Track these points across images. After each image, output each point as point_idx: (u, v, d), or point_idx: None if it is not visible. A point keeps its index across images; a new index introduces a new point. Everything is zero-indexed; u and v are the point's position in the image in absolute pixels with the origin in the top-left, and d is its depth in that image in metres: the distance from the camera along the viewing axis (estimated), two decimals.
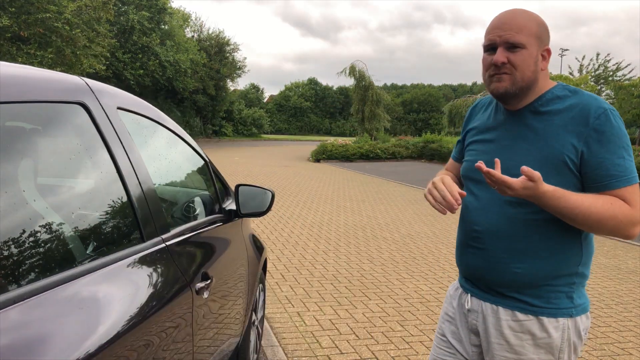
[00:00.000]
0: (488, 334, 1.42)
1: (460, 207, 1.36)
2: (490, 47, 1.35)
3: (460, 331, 1.53)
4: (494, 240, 1.38)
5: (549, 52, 1.36)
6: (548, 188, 1.23)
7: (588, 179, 1.30)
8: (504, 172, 1.24)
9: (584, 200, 1.26)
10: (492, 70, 1.34)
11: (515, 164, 1.29)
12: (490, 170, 1.22)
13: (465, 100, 29.19)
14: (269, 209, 2.40)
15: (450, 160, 1.73)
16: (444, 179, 1.39)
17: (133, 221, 1.36)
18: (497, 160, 1.26)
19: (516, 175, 1.22)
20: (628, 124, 35.51)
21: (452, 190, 1.33)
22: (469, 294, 1.50)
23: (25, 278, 0.95)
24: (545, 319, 1.36)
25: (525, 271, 1.35)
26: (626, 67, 36.69)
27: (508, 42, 1.31)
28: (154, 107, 1.84)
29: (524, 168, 1.20)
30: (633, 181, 1.29)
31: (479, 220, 1.42)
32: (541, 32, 1.34)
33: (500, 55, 1.32)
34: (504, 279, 1.38)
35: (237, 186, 2.37)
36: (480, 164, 1.23)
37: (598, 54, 48.49)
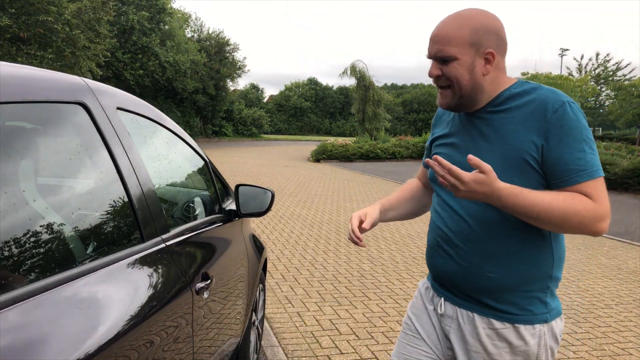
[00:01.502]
0: (465, 342, 1.39)
1: (362, 243, 1.44)
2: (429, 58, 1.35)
3: (436, 332, 1.49)
4: (465, 243, 1.35)
5: (492, 54, 1.29)
6: (504, 185, 1.19)
7: (549, 175, 1.26)
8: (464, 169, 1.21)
9: (544, 198, 1.21)
10: (434, 81, 1.35)
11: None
12: (438, 157, 1.19)
13: None
14: (269, 209, 2.40)
15: (421, 168, 1.70)
16: (358, 215, 1.49)
17: (133, 221, 1.36)
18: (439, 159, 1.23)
19: None
20: (628, 124, 35.52)
21: (354, 229, 1.45)
22: (442, 298, 1.45)
23: (25, 278, 0.95)
24: (521, 327, 1.33)
25: (499, 275, 1.32)
26: (626, 66, 36.74)
27: (437, 57, 1.30)
28: (153, 107, 1.84)
29: (470, 156, 1.16)
30: (595, 175, 1.23)
31: (449, 223, 1.39)
32: (477, 38, 1.28)
33: (432, 69, 1.32)
34: (478, 284, 1.34)
35: (237, 186, 2.37)
36: (428, 160, 1.22)
37: (598, 54, 48.45)
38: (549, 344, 1.36)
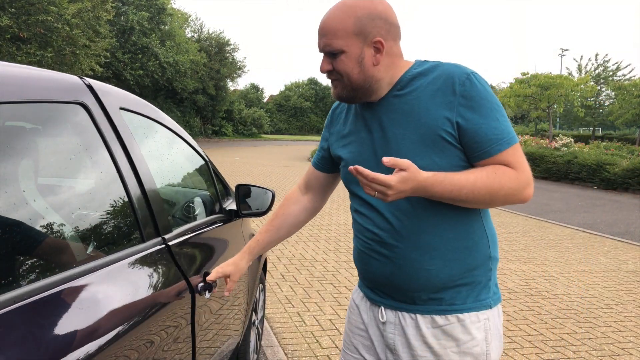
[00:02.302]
0: (411, 348, 1.30)
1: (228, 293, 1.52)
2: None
3: (376, 346, 1.40)
4: (399, 241, 1.28)
5: (381, 43, 1.24)
6: (427, 174, 1.15)
7: (469, 148, 1.22)
8: (381, 167, 1.16)
9: (468, 177, 1.18)
10: (327, 76, 1.31)
11: (392, 154, 1.22)
12: (358, 167, 1.12)
13: None
14: (269, 209, 2.40)
15: (310, 168, 1.60)
16: (222, 268, 1.55)
17: (133, 221, 1.36)
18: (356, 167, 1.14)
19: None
20: (628, 124, 35.54)
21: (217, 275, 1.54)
22: (382, 306, 1.36)
23: (26, 278, 0.95)
24: (467, 319, 1.27)
25: (439, 267, 1.26)
26: (626, 67, 36.76)
27: (326, 51, 1.26)
28: (154, 107, 1.84)
29: (385, 159, 1.11)
30: (512, 142, 1.21)
31: (378, 222, 1.31)
32: (362, 27, 1.22)
33: (323, 64, 1.28)
34: (419, 280, 1.27)
35: (238, 186, 2.37)
36: (351, 168, 1.13)
37: (597, 54, 48.48)
38: (495, 340, 1.31)
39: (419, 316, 1.30)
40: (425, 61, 1.31)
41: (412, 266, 1.28)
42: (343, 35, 1.23)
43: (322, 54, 1.30)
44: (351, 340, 1.47)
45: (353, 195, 1.41)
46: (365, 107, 1.36)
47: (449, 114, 1.21)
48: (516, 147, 1.22)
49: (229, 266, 1.55)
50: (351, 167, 1.13)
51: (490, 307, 1.31)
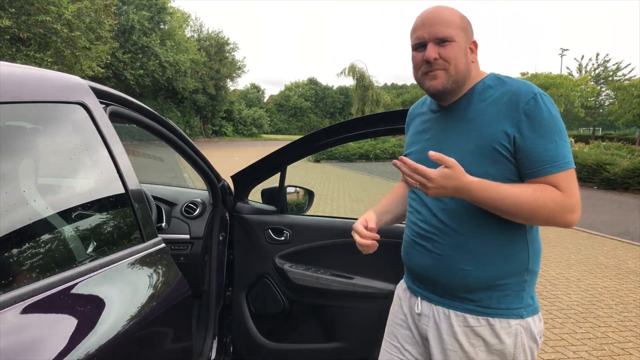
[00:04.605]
0: (442, 340, 1.36)
1: (374, 245, 1.38)
2: (419, 45, 1.33)
3: (415, 335, 1.46)
4: (440, 238, 1.34)
5: (475, 44, 1.36)
6: (472, 178, 1.20)
7: (522, 165, 1.26)
8: (433, 165, 1.20)
9: (513, 190, 1.22)
10: (425, 67, 1.33)
11: (448, 156, 1.24)
12: (404, 157, 1.20)
13: None
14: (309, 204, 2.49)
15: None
16: (359, 222, 1.42)
17: (133, 221, 1.36)
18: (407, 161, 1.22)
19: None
20: (628, 124, 35.54)
21: (362, 232, 1.39)
22: (419, 297, 1.43)
23: (26, 278, 0.95)
24: (497, 324, 1.31)
25: (474, 269, 1.31)
26: (626, 67, 36.77)
27: (437, 37, 1.30)
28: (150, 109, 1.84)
29: (431, 153, 1.17)
30: (566, 167, 1.24)
31: (425, 217, 1.38)
32: (465, 25, 1.33)
33: (431, 51, 1.30)
34: (454, 278, 1.33)
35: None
36: (395, 161, 1.21)
37: (598, 54, 48.50)
38: (527, 344, 1.33)
39: (452, 312, 1.35)
40: (499, 75, 1.37)
41: (449, 264, 1.34)
42: (454, 26, 1.30)
43: (418, 47, 1.34)
44: (392, 330, 1.53)
45: (410, 191, 1.49)
46: (435, 109, 1.43)
47: (508, 128, 1.26)
48: (569, 172, 1.25)
49: (364, 216, 1.47)
50: (395, 160, 1.21)
51: (522, 317, 1.33)
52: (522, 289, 1.33)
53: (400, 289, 1.55)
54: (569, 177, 1.25)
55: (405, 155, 1.45)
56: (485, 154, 1.27)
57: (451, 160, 1.17)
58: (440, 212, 1.35)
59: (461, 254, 1.32)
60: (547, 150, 1.23)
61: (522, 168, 1.27)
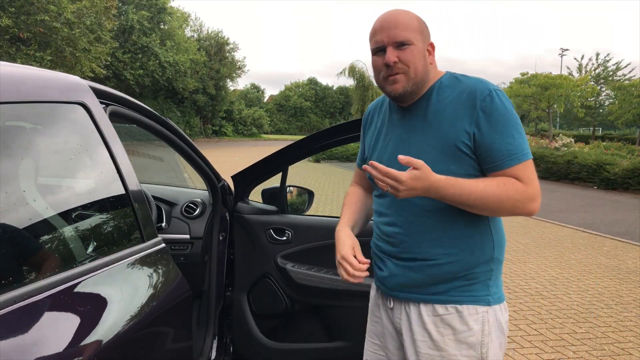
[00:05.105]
0: (412, 332, 1.39)
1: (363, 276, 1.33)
2: (378, 49, 1.36)
3: (391, 330, 1.48)
4: (407, 237, 1.37)
5: (432, 46, 1.39)
6: (439, 177, 1.23)
7: (482, 160, 1.31)
8: (401, 168, 1.22)
9: (478, 185, 1.27)
10: (385, 71, 1.35)
11: (412, 156, 1.25)
12: (373, 162, 1.22)
13: None
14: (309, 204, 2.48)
15: (356, 170, 1.67)
16: (347, 252, 1.36)
17: (133, 221, 1.36)
18: (372, 162, 1.23)
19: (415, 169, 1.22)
20: (628, 124, 35.55)
21: (354, 264, 1.33)
22: (390, 297, 1.45)
23: (26, 278, 0.95)
24: (465, 310, 1.34)
25: (444, 262, 1.34)
26: (626, 67, 36.75)
27: (396, 41, 1.32)
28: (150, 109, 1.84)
29: (400, 157, 1.20)
30: (524, 158, 1.30)
31: (390, 220, 1.41)
32: (422, 28, 1.36)
33: (391, 55, 1.32)
34: (422, 272, 1.36)
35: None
36: (365, 166, 1.24)
37: (598, 54, 48.47)
38: (494, 333, 1.36)
39: (421, 304, 1.38)
40: (455, 74, 1.41)
41: (418, 260, 1.37)
42: (412, 29, 1.33)
43: (377, 51, 1.36)
44: (371, 328, 1.56)
45: (375, 192, 1.50)
46: (395, 110, 1.45)
47: (467, 126, 1.30)
48: (528, 164, 1.31)
49: (348, 243, 1.41)
50: (365, 165, 1.23)
51: (489, 304, 1.36)
52: (488, 278, 1.38)
53: (374, 287, 1.57)
54: (527, 168, 1.30)
55: (368, 158, 1.48)
56: (448, 152, 1.31)
57: (419, 162, 1.20)
58: (405, 211, 1.37)
59: (429, 249, 1.35)
60: (506, 144, 1.28)
61: (483, 163, 1.32)
